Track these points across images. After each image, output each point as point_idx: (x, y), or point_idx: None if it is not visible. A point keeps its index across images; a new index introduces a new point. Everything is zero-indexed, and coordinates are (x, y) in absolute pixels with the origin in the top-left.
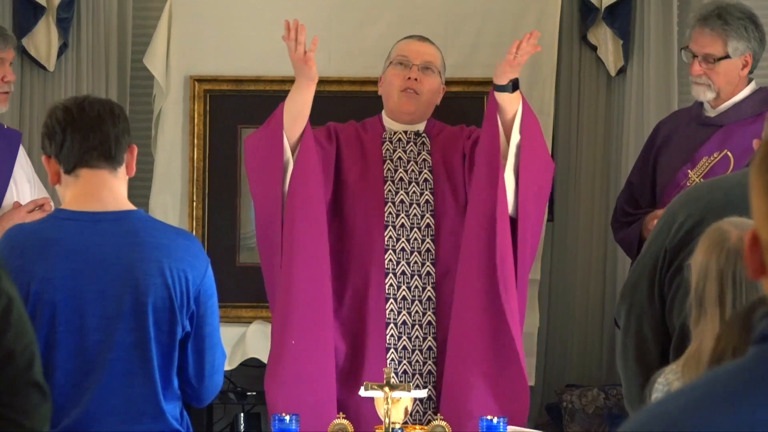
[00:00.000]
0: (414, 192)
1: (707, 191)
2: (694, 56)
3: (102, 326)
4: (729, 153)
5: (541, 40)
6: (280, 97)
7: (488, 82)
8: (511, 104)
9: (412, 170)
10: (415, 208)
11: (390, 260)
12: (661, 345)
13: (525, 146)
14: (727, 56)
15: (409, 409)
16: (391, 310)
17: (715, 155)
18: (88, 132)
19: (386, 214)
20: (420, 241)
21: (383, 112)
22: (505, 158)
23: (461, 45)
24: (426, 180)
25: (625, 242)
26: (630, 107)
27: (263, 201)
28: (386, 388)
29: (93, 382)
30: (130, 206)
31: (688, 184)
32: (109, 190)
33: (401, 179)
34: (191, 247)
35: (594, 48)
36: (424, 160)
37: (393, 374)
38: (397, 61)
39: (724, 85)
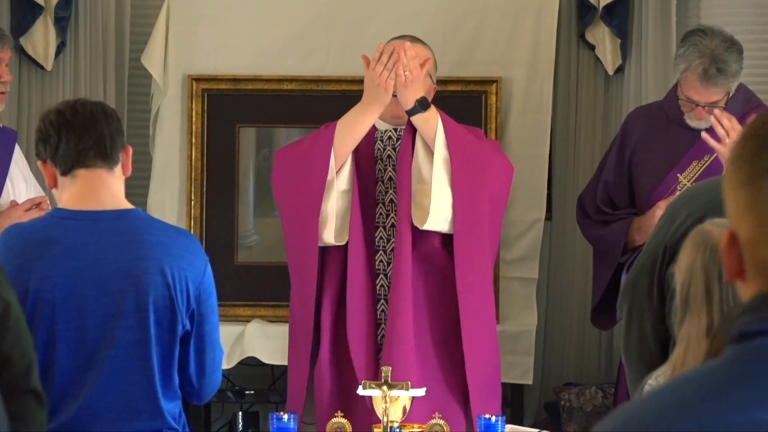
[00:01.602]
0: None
1: (708, 189)
2: (697, 105)
3: (102, 324)
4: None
5: (539, 39)
6: (278, 95)
7: (487, 81)
8: (427, 124)
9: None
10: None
11: (380, 261)
12: (662, 341)
13: (455, 160)
14: (728, 94)
15: (407, 408)
16: (383, 310)
17: (705, 159)
18: (82, 132)
19: (377, 215)
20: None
21: None
22: (430, 179)
23: (459, 43)
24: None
25: (603, 241)
26: (628, 106)
27: (298, 219)
28: (384, 387)
29: (92, 379)
30: (129, 205)
31: (679, 188)
32: (107, 188)
33: (390, 178)
34: (191, 246)
35: (592, 47)
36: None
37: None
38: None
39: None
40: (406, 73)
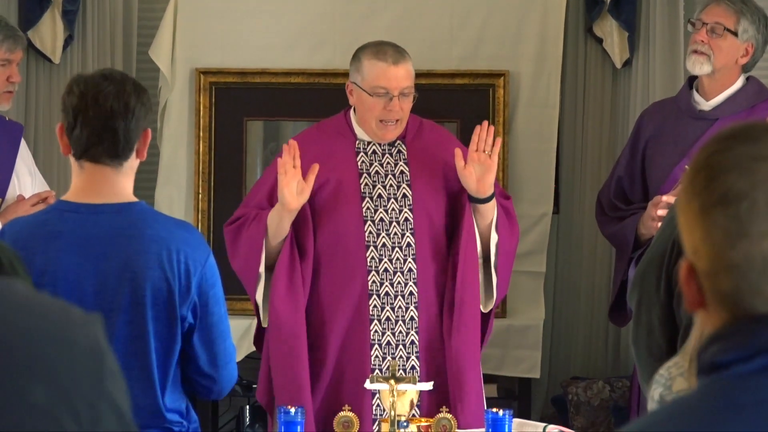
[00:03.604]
0: (393, 209)
1: None
2: (703, 25)
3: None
4: None
5: (546, 33)
6: (285, 89)
7: (494, 75)
8: (494, 210)
9: (390, 185)
10: (395, 226)
11: (373, 282)
12: (669, 335)
13: (503, 243)
14: (735, 33)
15: (415, 401)
16: (375, 331)
17: None
18: (96, 127)
19: (366, 234)
20: (402, 261)
21: (353, 117)
22: (488, 261)
23: (466, 37)
24: (405, 196)
25: (616, 237)
26: (635, 99)
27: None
28: (392, 381)
29: None
30: (132, 198)
31: None
32: (110, 186)
33: (380, 196)
34: (190, 239)
35: (600, 40)
36: (402, 172)
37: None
38: (376, 93)
39: (722, 64)
40: (487, 152)
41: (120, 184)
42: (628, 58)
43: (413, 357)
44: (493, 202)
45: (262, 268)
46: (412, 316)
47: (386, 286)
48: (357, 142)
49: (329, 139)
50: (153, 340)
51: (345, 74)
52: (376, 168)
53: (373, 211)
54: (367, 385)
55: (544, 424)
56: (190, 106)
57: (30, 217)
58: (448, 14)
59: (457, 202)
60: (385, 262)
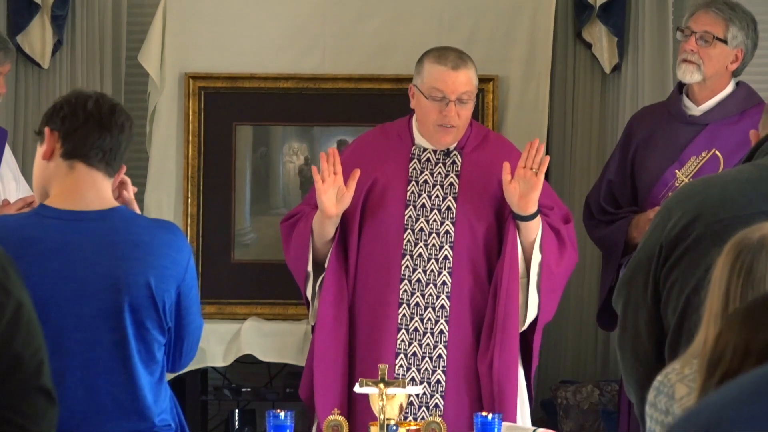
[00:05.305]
0: (435, 221)
1: (703, 188)
2: (692, 33)
3: (83, 325)
4: (717, 152)
5: (535, 37)
6: (275, 93)
7: (483, 79)
8: (537, 229)
9: (436, 195)
10: (434, 237)
11: (405, 290)
12: (656, 339)
13: (546, 264)
14: (724, 41)
15: (404, 405)
16: (402, 341)
17: (703, 155)
18: (106, 135)
19: (404, 242)
20: (436, 273)
21: (414, 122)
22: (526, 278)
23: (455, 42)
24: (449, 208)
25: (606, 241)
26: (624, 105)
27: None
28: (381, 385)
29: (76, 381)
30: (114, 204)
31: (677, 184)
32: (96, 191)
33: (423, 206)
34: (173, 241)
35: (589, 45)
36: (451, 183)
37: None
38: (433, 96)
39: (712, 72)
40: (534, 169)
41: (105, 191)
42: (617, 63)
43: (439, 371)
44: (537, 220)
45: (310, 267)
46: (441, 330)
47: (417, 296)
48: (413, 147)
49: (388, 141)
50: (138, 344)
51: (334, 78)
52: (426, 177)
53: (414, 219)
54: (356, 389)
55: (533, 428)
56: (179, 110)
57: (10, 221)
58: (437, 19)
59: (505, 220)
60: (419, 272)
